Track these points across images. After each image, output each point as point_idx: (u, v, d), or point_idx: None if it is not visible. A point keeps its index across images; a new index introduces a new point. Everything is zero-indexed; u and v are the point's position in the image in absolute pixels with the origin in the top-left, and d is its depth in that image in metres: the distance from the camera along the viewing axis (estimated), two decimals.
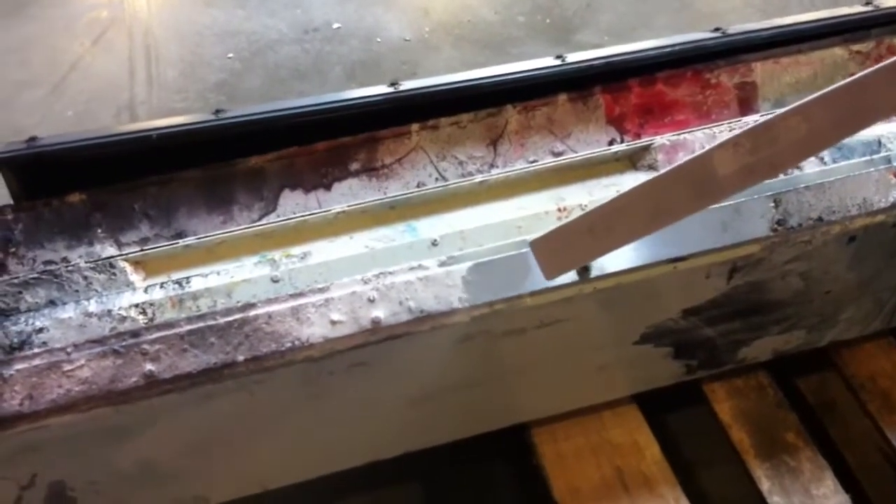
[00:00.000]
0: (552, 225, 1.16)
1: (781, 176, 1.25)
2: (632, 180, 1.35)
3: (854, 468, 1.52)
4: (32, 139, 1.36)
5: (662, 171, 0.99)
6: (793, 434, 1.46)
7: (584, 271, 1.15)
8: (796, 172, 1.26)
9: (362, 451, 1.35)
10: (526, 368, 1.31)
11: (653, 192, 1.00)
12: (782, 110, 0.93)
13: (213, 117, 1.40)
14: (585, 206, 1.27)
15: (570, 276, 1.15)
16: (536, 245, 1.10)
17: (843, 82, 0.91)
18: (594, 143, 1.48)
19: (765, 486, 1.40)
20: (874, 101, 0.88)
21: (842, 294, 1.39)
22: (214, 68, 2.43)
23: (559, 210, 1.27)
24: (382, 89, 1.44)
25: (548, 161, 1.41)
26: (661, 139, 1.38)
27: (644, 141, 1.40)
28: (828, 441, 1.54)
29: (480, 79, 1.45)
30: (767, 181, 1.23)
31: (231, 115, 1.41)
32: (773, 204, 1.20)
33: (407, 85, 1.44)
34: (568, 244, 1.07)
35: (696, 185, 0.97)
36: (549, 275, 1.10)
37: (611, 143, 1.47)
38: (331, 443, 1.30)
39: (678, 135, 1.39)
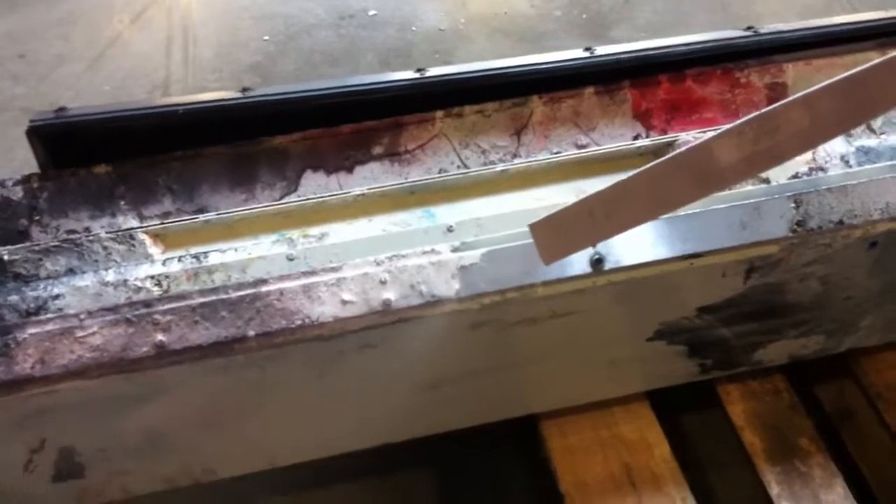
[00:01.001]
0: None
1: (804, 177, 1.24)
2: None
3: (868, 478, 1.50)
4: (61, 109, 1.39)
5: (662, 157, 0.98)
6: (806, 440, 1.44)
7: (597, 263, 1.15)
8: (820, 174, 1.25)
9: (371, 434, 1.35)
10: (537, 359, 1.31)
11: (653, 179, 0.99)
12: (785, 100, 0.92)
13: (239, 95, 1.42)
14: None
15: (584, 268, 1.15)
16: (536, 228, 1.09)
17: (847, 73, 0.90)
18: (619, 137, 1.47)
19: (774, 490, 1.39)
20: (878, 93, 0.86)
21: (863, 300, 1.37)
22: (250, 50, 2.45)
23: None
24: (408, 75, 1.45)
25: (571, 153, 1.40)
26: (687, 136, 1.37)
27: (669, 137, 1.39)
28: (842, 450, 1.52)
29: (507, 68, 1.45)
30: (784, 181, 1.22)
31: (257, 94, 1.42)
32: (793, 204, 1.18)
33: (433, 71, 1.45)
34: (567, 228, 1.06)
35: (697, 173, 0.96)
36: (548, 259, 1.09)
37: (636, 137, 1.46)
38: (340, 423, 1.31)
39: (704, 132, 1.38)
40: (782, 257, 1.22)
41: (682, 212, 1.16)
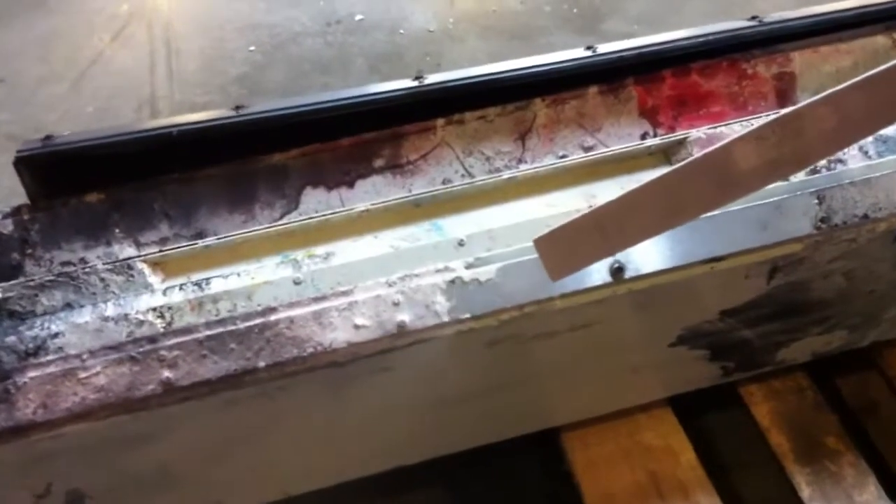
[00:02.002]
0: None
1: (824, 171, 1.20)
2: None
3: None
4: (48, 138, 1.33)
5: (677, 164, 0.93)
6: (833, 438, 1.41)
7: (618, 272, 1.11)
8: (840, 167, 1.21)
9: (387, 457, 1.31)
10: (556, 372, 1.27)
11: (668, 188, 0.93)
12: (810, 99, 0.87)
13: (233, 113, 1.37)
14: None
15: (604, 277, 1.11)
16: (541, 244, 1.02)
17: (877, 70, 0.85)
18: (626, 136, 1.42)
19: (805, 492, 1.35)
20: None
21: (886, 293, 1.34)
22: (236, 62, 2.40)
23: (590, 207, 1.22)
24: (407, 83, 1.40)
25: (578, 156, 1.36)
26: (697, 132, 1.32)
27: (679, 134, 1.35)
28: (869, 444, 1.49)
29: (508, 71, 1.41)
30: (804, 176, 1.18)
31: (251, 111, 1.37)
32: (816, 201, 1.14)
33: (432, 78, 1.40)
34: (575, 243, 0.99)
35: (716, 179, 0.90)
36: (555, 276, 1.02)
37: (643, 136, 1.42)
38: (355, 448, 1.27)
39: (714, 128, 1.34)
40: (806, 255, 1.18)
41: None
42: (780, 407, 1.45)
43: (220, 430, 1.14)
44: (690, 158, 0.92)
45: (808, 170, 1.21)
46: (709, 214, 1.13)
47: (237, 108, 1.38)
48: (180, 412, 1.07)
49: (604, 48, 1.43)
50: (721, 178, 0.90)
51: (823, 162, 1.22)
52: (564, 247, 1.00)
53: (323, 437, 1.22)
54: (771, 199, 1.14)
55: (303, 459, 1.25)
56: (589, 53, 1.42)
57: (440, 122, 1.40)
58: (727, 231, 1.13)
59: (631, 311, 1.18)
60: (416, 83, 1.39)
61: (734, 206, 1.13)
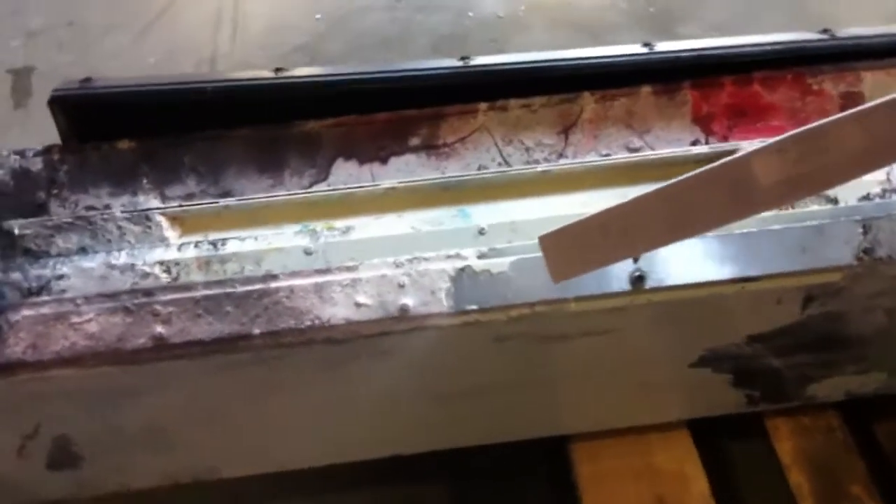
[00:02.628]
0: None
1: (877, 199, 1.12)
2: None
3: None
4: (86, 80, 1.32)
5: (689, 174, 0.86)
6: (858, 485, 1.32)
7: (638, 280, 1.05)
8: (895, 197, 1.13)
9: (385, 443, 1.27)
10: (567, 378, 1.21)
11: (678, 196, 0.86)
12: (837, 115, 0.79)
13: (271, 75, 1.34)
14: None
15: (623, 285, 1.05)
16: (547, 241, 0.96)
17: None
18: (675, 142, 1.35)
19: None
20: None
21: None
22: (300, 29, 2.38)
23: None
24: (451, 63, 1.35)
25: (622, 156, 1.30)
26: (749, 144, 1.25)
27: (729, 145, 1.28)
28: None
29: (557, 60, 1.35)
30: (853, 202, 1.10)
31: (291, 76, 1.34)
32: (861, 230, 1.07)
33: (478, 60, 1.35)
34: (579, 245, 0.93)
35: (732, 192, 0.83)
36: (557, 277, 0.96)
37: (694, 143, 1.35)
38: (352, 430, 1.23)
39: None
40: (845, 286, 1.10)
41: (734, 229, 1.05)
42: (805, 445, 1.37)
43: (212, 394, 1.11)
44: (707, 166, 0.85)
45: (857, 195, 1.13)
46: (744, 230, 1.07)
47: (277, 70, 1.35)
48: (172, 370, 1.05)
49: (661, 46, 1.36)
50: (737, 192, 0.83)
51: (876, 189, 1.14)
52: (570, 248, 0.94)
53: (319, 415, 1.19)
54: (813, 223, 1.06)
55: (298, 434, 1.22)
56: (645, 50, 1.36)
57: (482, 106, 1.35)
58: (762, 250, 1.06)
59: (650, 325, 1.12)
60: (461, 63, 1.35)
61: (773, 225, 1.07)
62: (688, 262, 1.05)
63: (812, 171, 0.79)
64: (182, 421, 1.15)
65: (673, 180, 0.86)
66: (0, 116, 2.11)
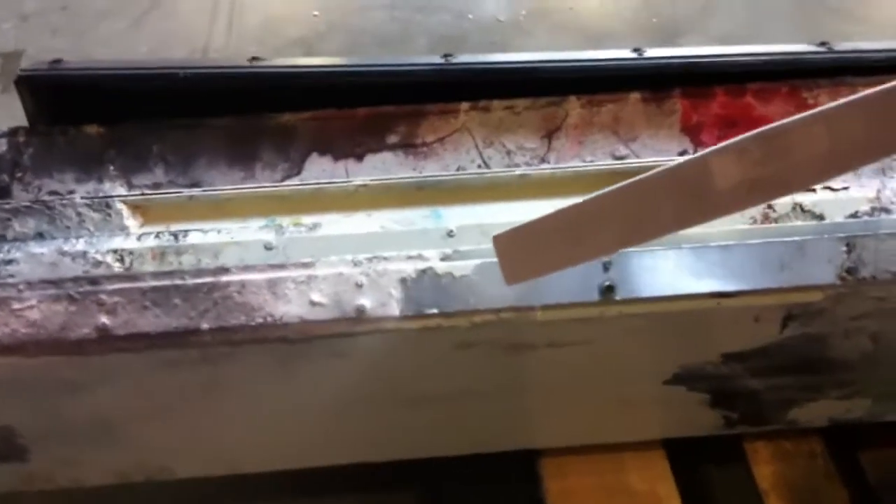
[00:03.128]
0: None
1: (865, 217, 1.06)
2: None
3: None
4: (56, 61, 1.28)
5: (647, 174, 0.81)
6: None
7: (608, 291, 1.00)
8: (883, 216, 1.07)
9: (345, 450, 1.23)
10: (536, 389, 1.17)
11: (633, 198, 0.82)
12: (801, 115, 0.74)
13: (247, 63, 1.30)
14: None
15: (592, 295, 1.00)
16: (500, 242, 0.91)
17: (882, 87, 0.72)
18: (663, 151, 1.30)
19: None
20: None
21: None
22: (297, 25, 2.34)
23: None
24: (433, 60, 1.30)
25: (605, 163, 1.25)
26: None
27: None
28: None
29: (544, 62, 1.30)
30: (840, 219, 1.05)
31: (267, 65, 1.30)
32: (845, 248, 1.01)
33: (460, 58, 1.30)
34: (532, 247, 0.89)
35: (688, 195, 0.79)
36: (510, 279, 0.92)
37: (682, 153, 1.29)
38: (308, 435, 1.18)
39: None
40: (826, 307, 1.04)
41: (711, 241, 1.00)
42: (785, 470, 1.32)
43: (160, 390, 1.07)
44: (663, 167, 0.80)
45: (846, 213, 1.08)
46: (722, 244, 1.02)
47: (253, 59, 1.31)
48: (117, 364, 1.01)
49: (652, 52, 1.31)
50: (695, 194, 0.78)
51: (865, 206, 1.09)
52: (525, 249, 0.89)
53: (273, 417, 1.14)
54: (794, 238, 1.01)
55: (251, 437, 1.18)
56: (635, 56, 1.31)
57: (464, 106, 1.30)
58: (740, 265, 1.01)
59: (621, 337, 1.07)
60: (443, 61, 1.30)
61: (752, 239, 1.01)
62: (662, 273, 1.01)
63: (773, 173, 0.74)
64: (129, 417, 1.11)
65: (627, 181, 0.81)
66: None
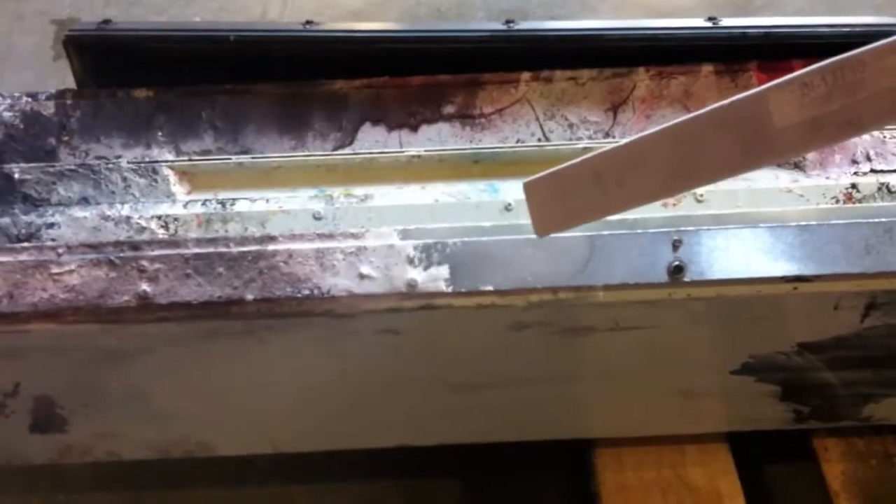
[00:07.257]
0: (656, 212, 0.95)
1: None
2: (770, 177, 1.10)
3: None
4: (105, 21, 1.25)
5: (697, 111, 0.72)
6: None
7: (676, 271, 0.93)
8: None
9: (389, 432, 1.18)
10: (593, 376, 1.10)
11: (680, 139, 0.71)
12: (874, 45, 0.65)
13: (300, 27, 1.25)
14: (702, 195, 1.04)
15: (659, 275, 0.93)
16: (532, 188, 0.82)
17: None
18: None
19: None
20: None
21: None
22: None
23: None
24: (494, 26, 1.24)
25: None
26: None
27: None
28: None
29: (611, 30, 1.23)
30: None
31: (321, 29, 1.25)
32: None
33: (523, 25, 1.24)
34: (567, 194, 0.80)
35: (743, 135, 0.69)
36: (542, 230, 0.83)
37: None
38: (354, 414, 1.14)
39: None
40: None
41: (790, 221, 0.93)
42: (857, 470, 1.24)
43: (202, 363, 1.03)
44: (717, 104, 0.71)
45: None
46: (802, 224, 0.94)
47: (307, 22, 1.26)
48: (157, 333, 0.97)
49: (728, 21, 1.23)
50: (749, 135, 0.69)
51: None
52: (559, 196, 0.80)
53: (317, 395, 1.10)
54: (881, 220, 0.93)
55: (294, 414, 1.13)
56: (709, 25, 1.23)
57: (525, 76, 1.24)
58: (821, 247, 0.93)
59: (689, 322, 1.00)
60: (504, 27, 1.24)
61: (835, 219, 0.94)
62: (735, 254, 0.93)
63: (840, 110, 0.64)
64: (169, 389, 1.08)
65: (676, 120, 0.72)
66: (39, 67, 2.07)
